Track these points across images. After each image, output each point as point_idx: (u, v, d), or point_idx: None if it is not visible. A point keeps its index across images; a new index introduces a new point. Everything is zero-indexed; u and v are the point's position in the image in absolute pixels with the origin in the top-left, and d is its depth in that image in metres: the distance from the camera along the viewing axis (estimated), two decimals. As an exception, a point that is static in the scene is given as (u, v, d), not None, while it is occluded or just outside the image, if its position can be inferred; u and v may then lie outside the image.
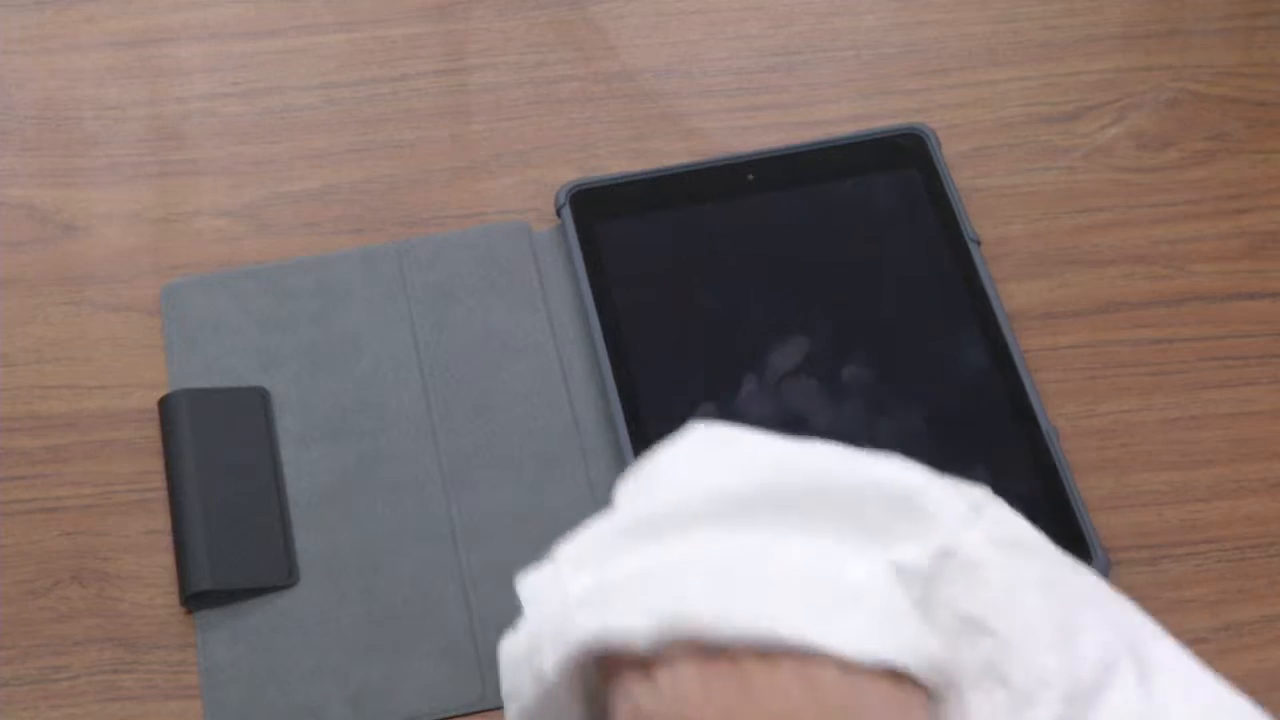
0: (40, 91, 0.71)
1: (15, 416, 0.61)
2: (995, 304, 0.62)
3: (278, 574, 0.57)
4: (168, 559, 0.58)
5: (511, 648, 0.45)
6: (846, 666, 0.43)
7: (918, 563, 0.46)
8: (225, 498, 0.58)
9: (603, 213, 0.65)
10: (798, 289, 0.63)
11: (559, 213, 0.65)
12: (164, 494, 0.59)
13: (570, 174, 0.67)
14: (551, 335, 0.63)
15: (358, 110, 0.70)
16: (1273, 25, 0.72)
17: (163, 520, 0.59)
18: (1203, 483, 0.59)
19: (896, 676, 0.44)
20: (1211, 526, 0.58)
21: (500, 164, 0.68)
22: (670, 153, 0.68)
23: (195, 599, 0.56)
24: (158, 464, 0.60)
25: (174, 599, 0.57)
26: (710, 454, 0.48)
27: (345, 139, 0.69)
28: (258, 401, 0.61)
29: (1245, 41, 0.72)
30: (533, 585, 0.45)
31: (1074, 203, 0.67)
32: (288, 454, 0.60)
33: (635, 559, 0.45)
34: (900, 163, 0.66)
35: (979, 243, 0.64)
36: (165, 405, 0.60)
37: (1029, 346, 0.62)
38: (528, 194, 0.67)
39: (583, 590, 0.44)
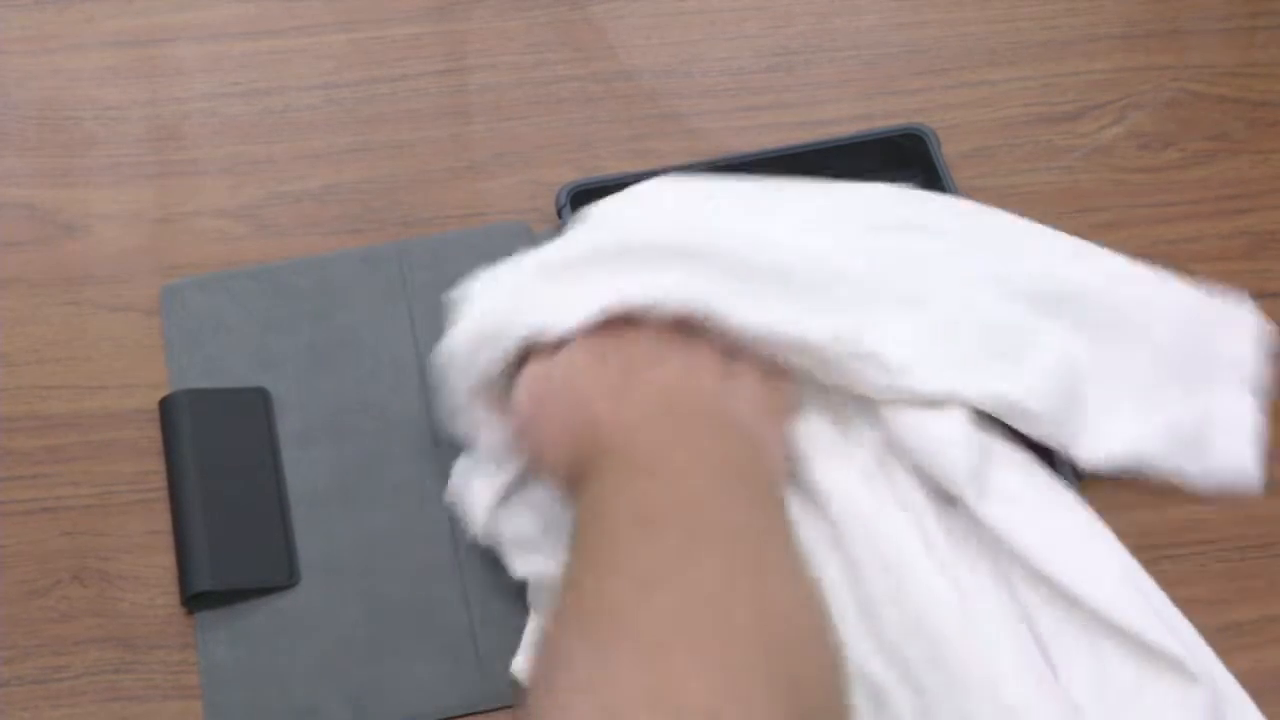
0: (40, 91, 0.71)
1: (15, 416, 0.61)
2: (995, 304, 0.62)
3: (278, 574, 0.57)
4: (168, 559, 0.58)
5: (455, 342, 0.54)
6: (723, 365, 0.52)
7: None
8: (225, 498, 0.58)
9: (603, 213, 0.65)
10: (798, 289, 0.63)
11: (559, 213, 0.65)
12: (164, 494, 0.59)
13: (570, 174, 0.67)
14: (551, 335, 0.63)
15: (358, 110, 0.70)
16: (1273, 25, 0.72)
17: (163, 520, 0.59)
18: (1203, 483, 0.59)
19: (768, 375, 0.53)
20: (1211, 526, 0.58)
21: (500, 164, 0.68)
22: (670, 153, 0.68)
23: (195, 599, 0.56)
24: (158, 464, 0.60)
25: (174, 599, 0.57)
26: (688, 208, 0.57)
27: (345, 139, 0.69)
28: (258, 401, 0.61)
29: (1245, 41, 0.72)
30: (478, 289, 0.54)
31: (1074, 203, 0.66)
32: (288, 454, 0.60)
33: (581, 276, 0.53)
34: (900, 163, 0.66)
35: (979, 243, 0.64)
36: (166, 405, 0.60)
37: (1029, 346, 0.62)
38: (528, 194, 0.67)
39: (526, 295, 0.53)
